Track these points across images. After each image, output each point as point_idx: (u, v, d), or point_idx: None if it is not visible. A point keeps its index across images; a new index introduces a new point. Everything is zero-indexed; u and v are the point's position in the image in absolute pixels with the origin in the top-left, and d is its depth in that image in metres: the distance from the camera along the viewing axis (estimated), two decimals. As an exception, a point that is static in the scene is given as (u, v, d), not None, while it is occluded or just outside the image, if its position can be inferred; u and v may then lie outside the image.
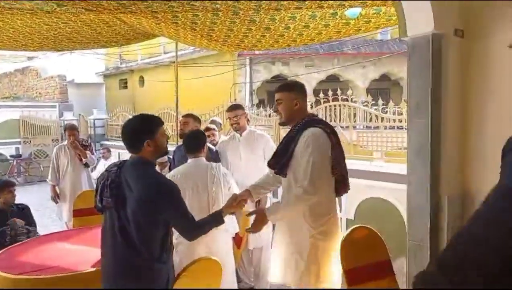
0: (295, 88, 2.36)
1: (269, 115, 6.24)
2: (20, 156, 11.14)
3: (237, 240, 3.06)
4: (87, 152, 4.80)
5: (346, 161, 2.38)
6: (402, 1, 2.28)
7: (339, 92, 4.57)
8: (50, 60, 14.39)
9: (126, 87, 14.74)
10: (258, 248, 3.55)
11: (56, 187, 4.79)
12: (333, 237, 2.21)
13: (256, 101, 10.72)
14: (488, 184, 2.25)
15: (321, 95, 4.84)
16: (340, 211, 4.12)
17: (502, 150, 1.01)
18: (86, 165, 4.86)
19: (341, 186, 2.26)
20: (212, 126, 4.04)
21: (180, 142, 4.42)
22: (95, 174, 7.63)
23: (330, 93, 4.80)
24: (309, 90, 8.28)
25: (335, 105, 4.82)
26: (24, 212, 4.01)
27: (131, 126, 2.03)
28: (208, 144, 3.27)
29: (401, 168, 3.67)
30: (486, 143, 2.26)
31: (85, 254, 2.69)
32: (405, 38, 2.40)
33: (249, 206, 2.60)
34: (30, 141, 11.42)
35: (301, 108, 2.30)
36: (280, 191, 2.70)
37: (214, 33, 3.78)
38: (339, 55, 10.84)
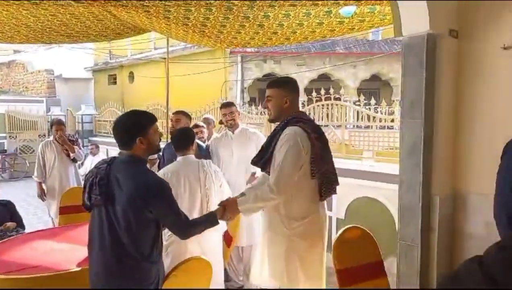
0: (286, 85, 2.32)
1: (260, 113, 6.21)
2: (5, 151, 10.92)
3: (227, 238, 3.02)
4: (75, 147, 4.71)
5: (337, 160, 2.36)
6: (398, 1, 2.27)
7: (331, 90, 4.56)
8: (38, 54, 14.14)
9: (115, 82, 14.56)
10: (249, 246, 3.52)
11: (43, 184, 4.68)
12: (314, 238, 2.18)
13: (247, 99, 10.69)
14: (479, 185, 2.24)
15: (314, 94, 4.83)
16: (331, 210, 4.14)
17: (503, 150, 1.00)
18: (74, 160, 4.76)
19: (326, 189, 2.21)
20: (201, 123, 4.02)
21: (170, 140, 4.38)
22: (82, 170, 7.52)
23: (322, 92, 4.79)
24: (300, 88, 8.29)
25: (327, 104, 4.81)
26: (7, 207, 3.92)
27: (123, 122, 1.97)
28: (198, 141, 3.24)
29: (392, 168, 3.68)
30: (479, 144, 2.27)
31: (71, 252, 2.63)
32: (400, 38, 2.39)
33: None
34: (16, 136, 11.20)
35: (290, 105, 2.27)
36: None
37: (206, 29, 3.73)
38: (331, 54, 10.88)
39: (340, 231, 2.22)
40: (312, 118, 4.15)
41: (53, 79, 13.80)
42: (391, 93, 11.70)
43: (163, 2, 3.09)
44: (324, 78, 10.96)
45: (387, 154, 4.13)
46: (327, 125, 4.64)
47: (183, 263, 2.10)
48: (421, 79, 2.27)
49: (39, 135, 11.27)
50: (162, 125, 6.86)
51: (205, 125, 4.03)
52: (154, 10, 3.33)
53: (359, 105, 4.51)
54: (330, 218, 4.13)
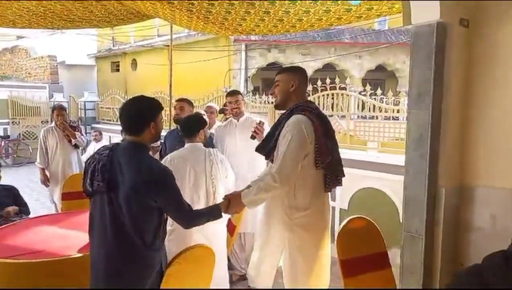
0: (294, 71, 2.32)
1: (265, 102, 6.16)
2: (8, 137, 10.94)
3: (230, 227, 3.01)
4: (76, 132, 4.69)
5: (341, 150, 2.33)
6: (408, -12, 2.21)
7: (337, 80, 4.51)
8: (40, 40, 14.05)
9: (118, 70, 14.49)
10: (250, 234, 3.52)
11: (46, 170, 4.68)
12: (317, 229, 2.16)
13: (251, 88, 10.61)
14: (488, 178, 2.20)
15: (319, 83, 4.78)
16: (334, 201, 4.13)
17: None
18: (76, 146, 4.75)
19: (331, 181, 2.19)
20: (202, 111, 4.00)
21: (173, 127, 4.35)
22: (85, 157, 7.51)
23: (328, 81, 4.74)
24: (304, 78, 8.18)
25: (332, 94, 4.76)
26: (11, 192, 3.93)
27: (136, 107, 1.92)
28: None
29: (396, 159, 3.65)
30: (487, 136, 2.23)
31: (73, 238, 2.63)
32: (409, 27, 2.34)
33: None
34: (19, 122, 11.20)
35: (296, 91, 2.24)
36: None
37: (211, 15, 3.67)
38: (336, 44, 10.75)
39: (344, 221, 2.20)
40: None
41: (56, 66, 13.74)
42: (396, 84, 11.59)
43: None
44: (329, 68, 10.86)
45: (392, 145, 4.09)
46: (331, 115, 4.59)
47: (187, 250, 2.09)
48: (430, 69, 2.22)
49: (42, 121, 11.27)
50: (165, 113, 6.82)
51: (206, 114, 3.99)
52: (158, -5, 3.27)
53: (365, 95, 4.46)
54: (334, 208, 4.12)
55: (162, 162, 2.67)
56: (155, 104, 1.96)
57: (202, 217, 2.07)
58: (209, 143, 3.43)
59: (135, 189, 1.78)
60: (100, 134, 8.04)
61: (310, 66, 10.56)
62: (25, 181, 8.17)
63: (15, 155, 10.81)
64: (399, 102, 4.28)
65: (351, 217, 2.24)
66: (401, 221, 2.43)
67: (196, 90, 7.80)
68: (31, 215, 3.83)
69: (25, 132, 11.24)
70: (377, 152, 4.13)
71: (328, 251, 2.26)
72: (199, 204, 2.57)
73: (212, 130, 3.82)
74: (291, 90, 2.23)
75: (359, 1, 3.14)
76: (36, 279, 2.15)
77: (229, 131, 3.57)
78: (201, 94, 7.56)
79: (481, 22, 2.26)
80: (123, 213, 1.80)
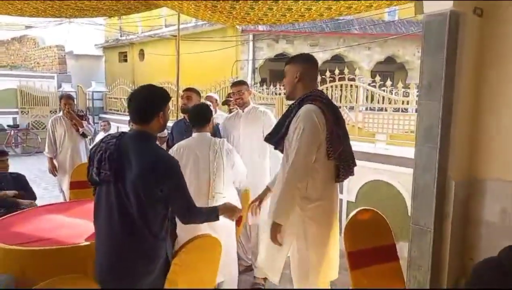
0: (297, 60, 2.27)
1: (272, 93, 6.12)
2: (18, 126, 11.05)
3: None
4: (84, 121, 4.71)
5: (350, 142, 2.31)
6: (421, -25, 2.15)
7: (346, 71, 4.45)
8: (48, 30, 14.06)
9: (126, 60, 14.50)
10: (255, 225, 3.51)
11: (54, 160, 4.71)
12: (327, 220, 2.15)
13: (258, 79, 10.55)
14: (499, 171, 2.15)
15: (327, 74, 4.72)
16: (342, 193, 4.10)
17: None
18: (83, 135, 4.78)
19: (344, 171, 2.17)
20: (206, 102, 3.98)
21: (180, 117, 4.35)
22: (93, 147, 7.56)
23: (337, 72, 4.68)
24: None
25: (341, 85, 4.71)
26: (18, 178, 3.97)
27: (145, 95, 1.90)
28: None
29: (405, 151, 3.61)
30: (499, 129, 2.18)
31: (81, 227, 2.65)
32: (420, 16, 2.29)
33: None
34: (28, 112, 11.30)
35: (302, 80, 2.21)
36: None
37: (219, 4, 3.62)
38: (345, 35, 10.62)
39: (352, 213, 2.18)
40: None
41: (64, 55, 13.77)
42: (405, 76, 11.45)
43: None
44: (337, 59, 10.75)
45: (401, 137, 4.04)
46: (340, 107, 4.55)
47: (194, 239, 2.09)
48: (441, 59, 2.17)
49: (50, 111, 11.35)
50: (172, 103, 6.82)
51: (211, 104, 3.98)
52: (165, -17, 3.23)
53: (374, 86, 4.40)
54: (341, 201, 4.10)
55: (170, 152, 2.67)
56: (164, 93, 1.95)
57: (201, 216, 2.05)
58: (215, 132, 3.43)
59: (142, 178, 1.77)
60: (109, 124, 8.08)
61: (319, 58, 10.44)
62: (34, 170, 8.26)
63: (24, 145, 10.92)
64: (408, 93, 4.21)
65: (359, 208, 2.22)
66: (409, 214, 2.40)
67: (204, 81, 7.77)
68: (39, 204, 3.86)
69: (34, 122, 11.33)
70: (386, 144, 4.09)
71: (337, 242, 2.24)
72: (201, 192, 2.57)
73: (217, 120, 3.81)
74: (295, 80, 2.21)
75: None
76: (44, 266, 2.17)
77: (234, 122, 3.57)
78: (208, 84, 7.54)
79: (496, 11, 2.20)
80: (131, 203, 1.79)
